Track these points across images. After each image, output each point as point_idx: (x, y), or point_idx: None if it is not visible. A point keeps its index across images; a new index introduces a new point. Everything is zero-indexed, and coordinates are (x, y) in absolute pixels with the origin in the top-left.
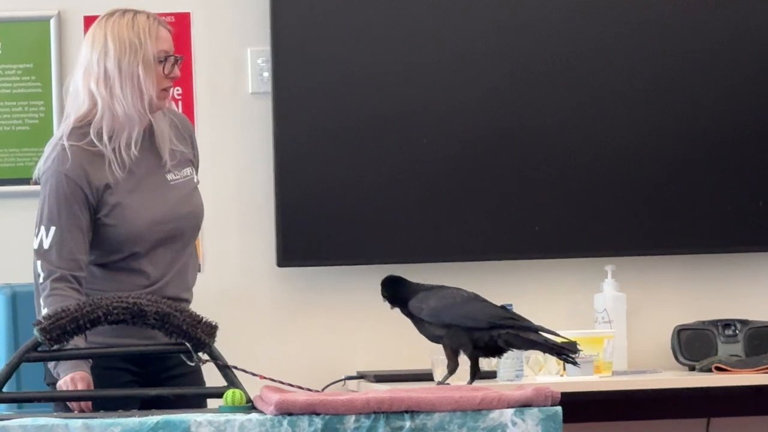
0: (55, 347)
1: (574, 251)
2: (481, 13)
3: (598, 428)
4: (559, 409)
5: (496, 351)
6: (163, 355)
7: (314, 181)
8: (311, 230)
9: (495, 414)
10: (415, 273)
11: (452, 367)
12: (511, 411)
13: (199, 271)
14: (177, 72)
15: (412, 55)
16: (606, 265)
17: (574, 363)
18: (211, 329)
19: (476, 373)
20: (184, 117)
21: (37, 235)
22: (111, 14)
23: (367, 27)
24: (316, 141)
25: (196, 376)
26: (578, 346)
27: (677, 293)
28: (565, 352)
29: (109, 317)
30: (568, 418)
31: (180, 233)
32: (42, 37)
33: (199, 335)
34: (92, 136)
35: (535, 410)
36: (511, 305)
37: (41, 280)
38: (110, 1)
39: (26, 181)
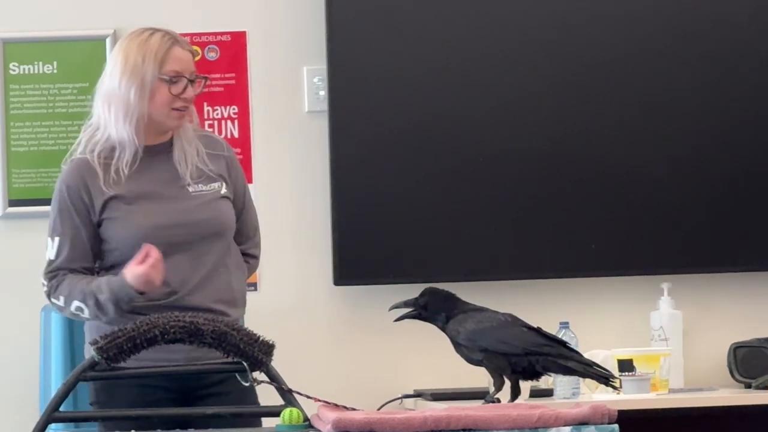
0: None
1: (631, 269)
2: (541, 31)
3: None
4: (616, 427)
5: (536, 374)
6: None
7: (371, 199)
8: (368, 248)
9: None
10: (472, 291)
11: (498, 384)
12: (568, 429)
13: (255, 290)
14: (189, 92)
15: (469, 73)
16: (662, 282)
17: (615, 388)
18: (268, 348)
19: (517, 395)
20: (216, 138)
21: (47, 249)
22: (134, 32)
23: (423, 45)
24: (372, 159)
25: (244, 395)
26: (612, 376)
27: (733, 311)
28: (604, 378)
29: (166, 336)
30: None
31: (196, 239)
32: (97, 57)
33: (256, 354)
34: (86, 153)
35: (592, 428)
36: (567, 323)
37: (45, 289)
38: (164, 20)
39: None
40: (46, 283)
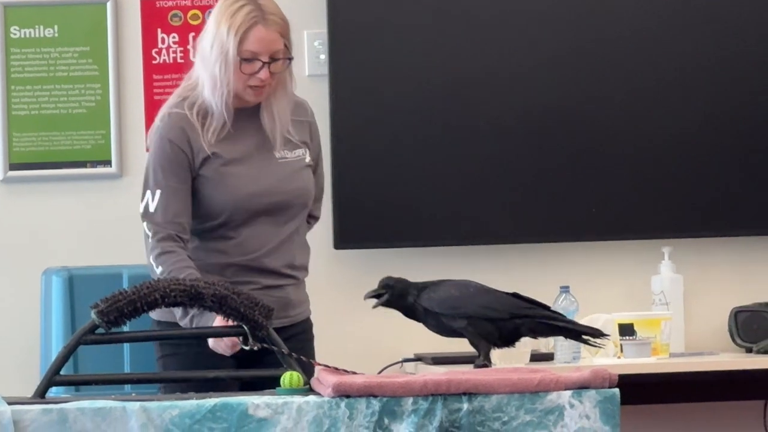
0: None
1: (631, 233)
2: None
3: (655, 410)
4: (616, 391)
5: (516, 338)
6: None
7: (371, 163)
8: (368, 213)
9: (553, 396)
10: (471, 255)
11: (486, 349)
12: (568, 393)
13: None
14: (262, 74)
15: (469, 35)
16: (663, 246)
17: (599, 347)
18: (269, 312)
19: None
20: (302, 103)
21: (143, 200)
22: None
23: (425, 9)
24: (372, 123)
25: (304, 352)
26: (601, 333)
27: (734, 275)
28: (589, 337)
29: (166, 300)
30: (625, 400)
31: (284, 207)
32: (99, 21)
33: (257, 318)
34: (185, 108)
35: (592, 392)
36: (567, 287)
37: (150, 240)
38: None
39: (83, 164)
40: (149, 234)
